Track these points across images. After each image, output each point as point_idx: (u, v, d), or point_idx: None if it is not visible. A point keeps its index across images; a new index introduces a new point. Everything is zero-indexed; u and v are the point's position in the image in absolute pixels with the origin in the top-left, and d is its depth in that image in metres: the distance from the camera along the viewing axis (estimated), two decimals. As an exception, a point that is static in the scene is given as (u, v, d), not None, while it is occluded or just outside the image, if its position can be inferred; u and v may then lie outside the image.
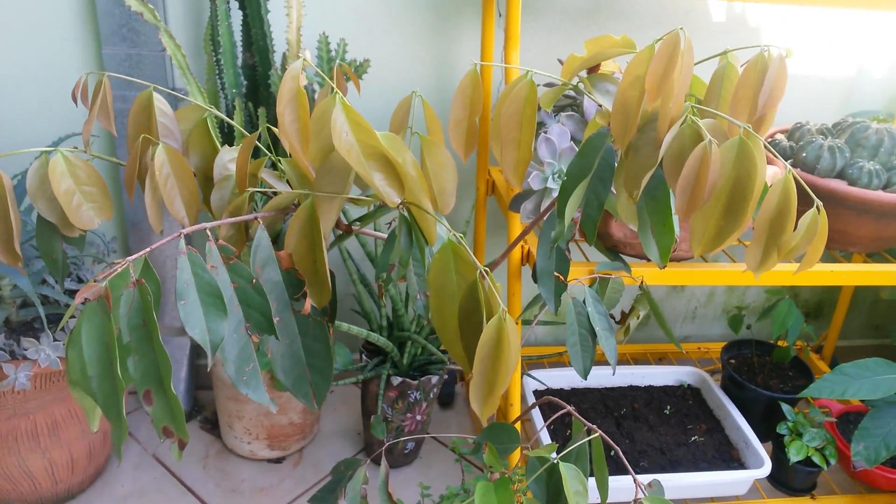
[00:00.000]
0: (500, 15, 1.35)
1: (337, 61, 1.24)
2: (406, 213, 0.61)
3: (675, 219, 0.65)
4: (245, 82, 1.24)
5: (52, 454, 1.22)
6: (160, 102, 0.62)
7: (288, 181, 0.65)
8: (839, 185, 1.21)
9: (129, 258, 0.49)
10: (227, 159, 0.63)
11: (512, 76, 1.10)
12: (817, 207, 0.52)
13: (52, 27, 1.30)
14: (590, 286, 1.09)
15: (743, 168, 0.54)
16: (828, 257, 1.74)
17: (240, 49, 1.22)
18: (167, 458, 1.45)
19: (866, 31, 1.54)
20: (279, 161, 0.64)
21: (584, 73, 1.07)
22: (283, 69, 1.17)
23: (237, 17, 1.23)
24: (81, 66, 1.33)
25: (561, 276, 0.77)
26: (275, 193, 0.64)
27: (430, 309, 0.56)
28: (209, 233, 0.53)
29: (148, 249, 0.50)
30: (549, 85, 1.11)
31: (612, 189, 0.67)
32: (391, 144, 0.57)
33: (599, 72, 0.61)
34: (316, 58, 1.22)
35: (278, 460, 1.48)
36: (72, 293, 1.28)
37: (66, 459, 1.25)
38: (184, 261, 0.49)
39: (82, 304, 0.48)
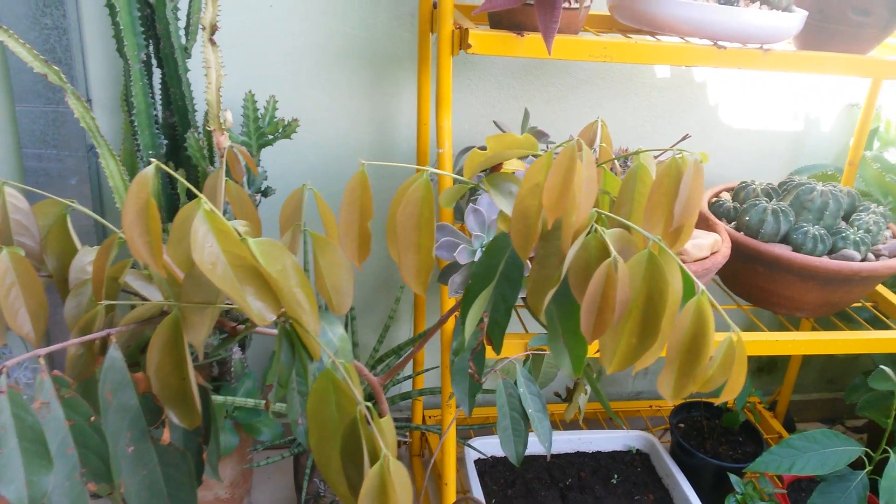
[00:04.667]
0: (439, 70, 1.31)
1: (267, 119, 1.19)
2: (288, 326, 0.54)
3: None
4: (167, 142, 1.17)
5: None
6: (13, 198, 0.56)
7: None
8: (783, 251, 1.18)
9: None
10: (87, 261, 0.56)
11: (444, 139, 1.05)
12: (735, 333, 0.46)
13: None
14: (524, 363, 1.04)
15: (654, 285, 0.49)
16: (774, 322, 1.71)
17: (160, 108, 1.15)
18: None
19: (812, 84, 1.53)
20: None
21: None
22: (206, 130, 1.11)
23: (158, 74, 1.16)
24: (-7, 120, 1.26)
25: (476, 376, 0.71)
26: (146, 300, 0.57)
27: (311, 443, 0.49)
28: (42, 362, 0.46)
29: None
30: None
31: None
32: (266, 251, 0.51)
33: (502, 170, 0.56)
34: (242, 116, 1.16)
35: (204, 537, 1.38)
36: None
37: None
38: (3, 401, 0.42)
39: None
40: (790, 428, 1.76)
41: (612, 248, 0.48)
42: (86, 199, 1.28)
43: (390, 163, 0.70)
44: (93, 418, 0.46)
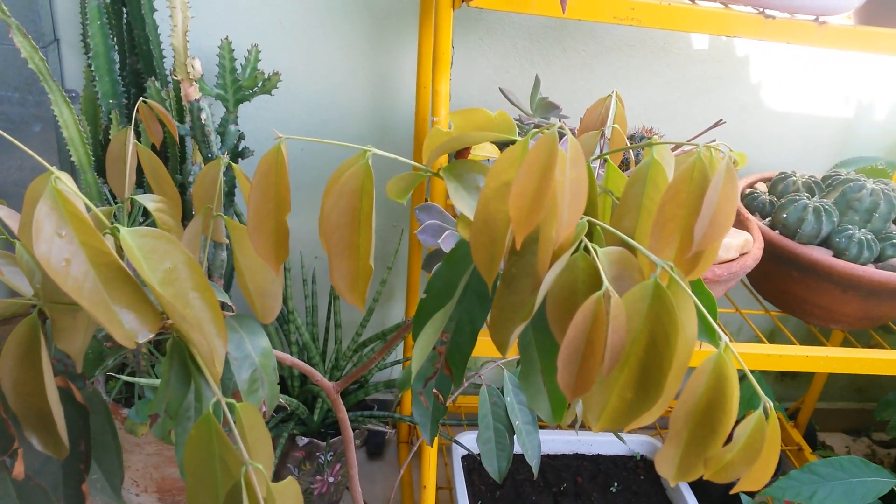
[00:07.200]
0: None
1: (248, 71, 1.06)
2: (180, 339, 0.42)
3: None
4: (133, 90, 1.04)
5: None
6: None
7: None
8: (823, 256, 1.03)
9: None
10: (-62, 243, 0.44)
11: (440, 106, 0.91)
12: (765, 410, 0.34)
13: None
14: (516, 366, 0.91)
15: (660, 327, 0.36)
16: (805, 333, 1.56)
17: (126, 52, 1.03)
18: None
19: (867, 67, 1.36)
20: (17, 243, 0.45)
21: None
22: (173, 80, 0.98)
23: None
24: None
25: (441, 396, 0.59)
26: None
27: (188, 500, 0.38)
28: None
29: None
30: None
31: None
32: (149, 246, 0.39)
33: (470, 157, 0.42)
34: (217, 66, 1.03)
35: (168, 519, 1.29)
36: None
37: None
38: None
39: None
40: (811, 438, 1.63)
41: (604, 277, 0.34)
42: (51, 149, 1.17)
43: (324, 141, 0.56)
44: None
